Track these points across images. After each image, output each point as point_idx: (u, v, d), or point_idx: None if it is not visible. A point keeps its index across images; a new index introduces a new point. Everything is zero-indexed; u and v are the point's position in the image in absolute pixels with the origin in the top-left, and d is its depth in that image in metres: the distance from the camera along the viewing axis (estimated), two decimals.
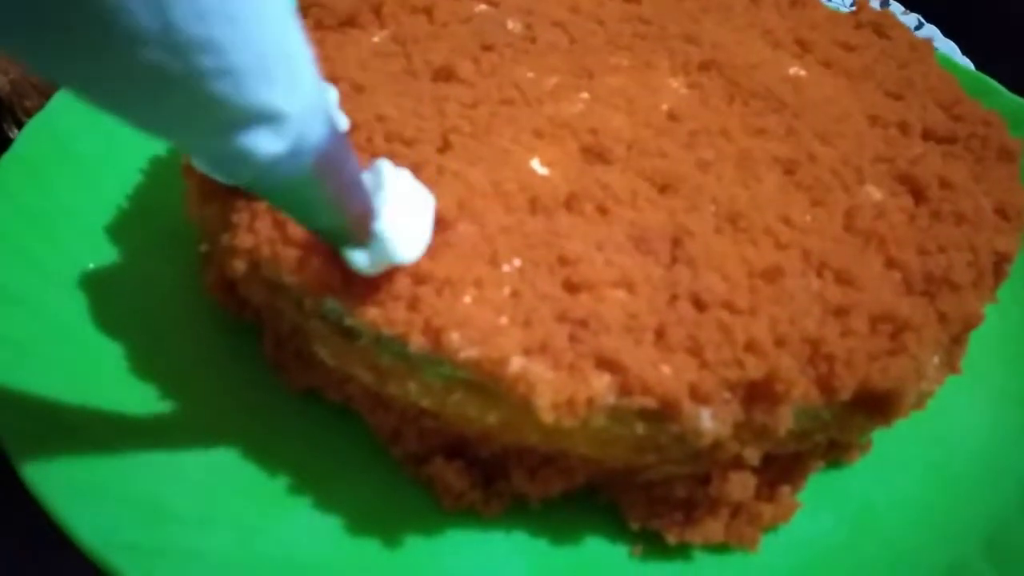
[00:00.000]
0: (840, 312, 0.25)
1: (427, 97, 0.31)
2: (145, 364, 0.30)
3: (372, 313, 0.24)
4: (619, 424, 0.23)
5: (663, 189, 0.28)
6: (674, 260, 0.26)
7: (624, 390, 0.23)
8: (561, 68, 0.34)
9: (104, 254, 0.33)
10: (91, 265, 0.32)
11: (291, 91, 0.17)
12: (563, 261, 0.25)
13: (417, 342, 0.23)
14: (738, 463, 0.25)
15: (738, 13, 0.38)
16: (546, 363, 0.23)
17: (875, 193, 0.30)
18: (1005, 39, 0.66)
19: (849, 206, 0.29)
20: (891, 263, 0.27)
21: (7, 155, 0.33)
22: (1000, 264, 0.28)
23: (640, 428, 0.23)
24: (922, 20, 0.64)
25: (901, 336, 0.25)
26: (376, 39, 0.35)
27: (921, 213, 0.29)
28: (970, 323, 0.27)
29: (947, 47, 0.61)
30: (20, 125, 0.43)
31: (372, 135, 0.29)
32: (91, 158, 0.35)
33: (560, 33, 0.35)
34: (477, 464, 0.27)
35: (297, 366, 0.29)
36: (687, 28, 0.36)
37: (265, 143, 0.17)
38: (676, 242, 0.26)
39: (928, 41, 0.37)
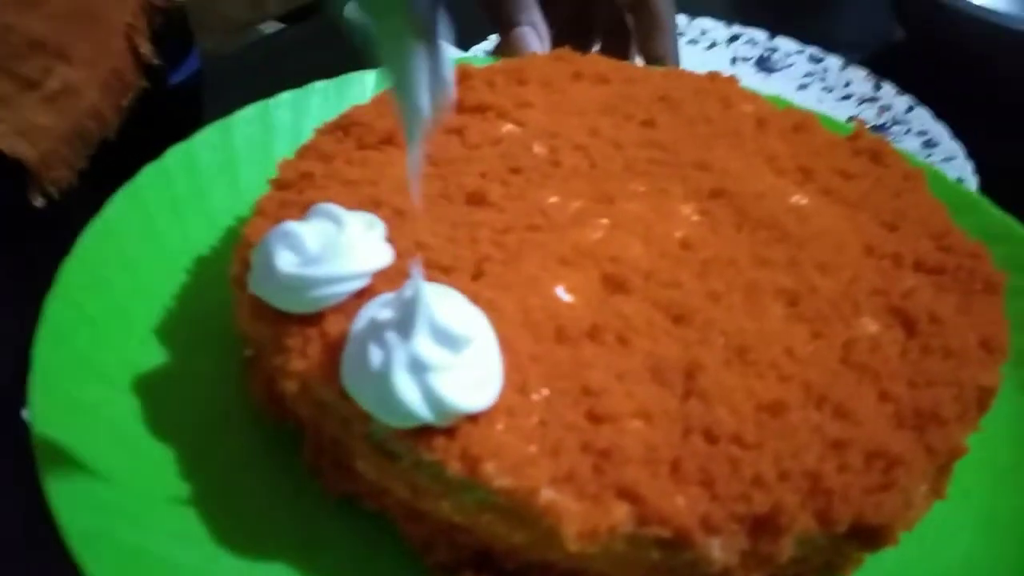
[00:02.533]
0: (838, 446, 0.27)
1: (462, 223, 0.34)
2: (191, 464, 0.32)
3: (414, 438, 0.27)
4: (636, 549, 0.26)
5: (677, 320, 0.31)
6: (688, 392, 0.29)
7: (642, 520, 0.25)
8: (584, 193, 0.37)
9: (156, 356, 0.35)
10: (144, 367, 0.34)
11: None
12: (587, 391, 0.28)
13: (454, 468, 0.26)
14: None
15: (747, 139, 0.41)
16: (572, 493, 0.26)
17: (870, 326, 0.32)
18: (995, 119, 0.68)
19: (847, 338, 0.31)
20: (884, 396, 0.30)
21: (68, 261, 0.36)
22: (983, 398, 0.31)
23: (655, 554, 0.26)
24: (914, 103, 0.66)
25: (893, 471, 0.27)
26: None
27: (912, 347, 0.32)
28: (955, 454, 0.29)
29: (936, 131, 0.63)
30: (47, 195, 0.45)
31: (412, 263, 0.31)
32: (144, 262, 0.38)
33: (581, 157, 0.38)
34: (500, 568, 0.29)
35: (335, 474, 0.31)
36: (699, 155, 0.39)
37: None
38: (689, 375, 0.29)
39: (920, 170, 0.40)
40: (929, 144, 0.62)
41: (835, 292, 0.33)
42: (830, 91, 0.67)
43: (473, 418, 0.27)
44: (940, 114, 0.64)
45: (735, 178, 0.38)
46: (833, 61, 0.69)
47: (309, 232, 0.30)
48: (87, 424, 0.31)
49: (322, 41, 0.72)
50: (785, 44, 0.71)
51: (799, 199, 0.38)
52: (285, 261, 0.29)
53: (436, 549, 0.29)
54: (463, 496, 0.27)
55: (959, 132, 0.62)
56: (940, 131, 0.62)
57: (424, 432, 0.26)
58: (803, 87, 0.68)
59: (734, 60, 0.70)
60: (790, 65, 0.70)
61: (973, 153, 0.60)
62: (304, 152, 0.38)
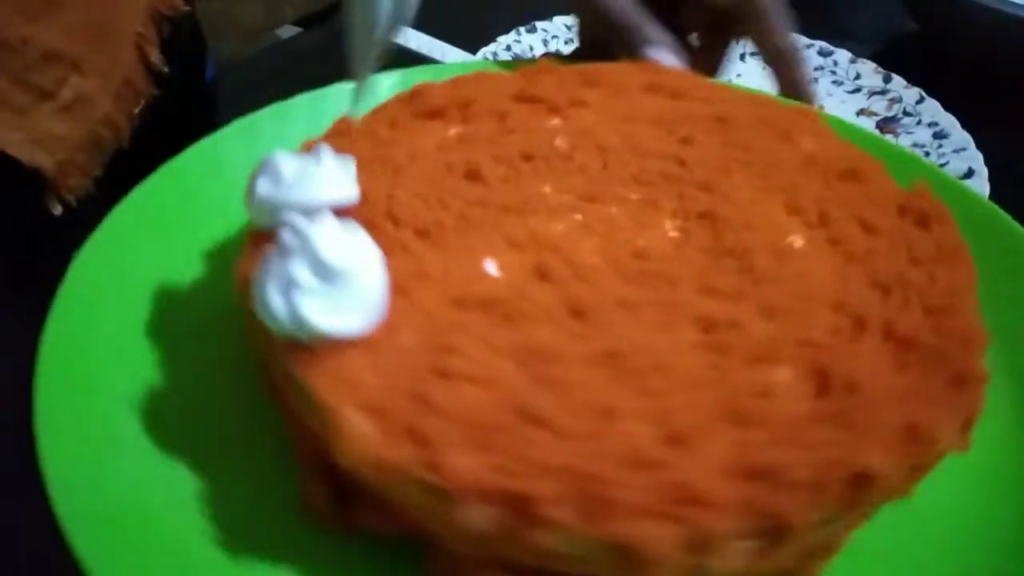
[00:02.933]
0: (645, 466, 0.27)
1: (446, 191, 0.37)
2: (197, 458, 0.33)
3: (287, 349, 0.31)
4: (423, 495, 0.28)
5: (575, 313, 0.32)
6: (539, 378, 0.30)
7: (423, 466, 0.27)
8: (577, 189, 0.38)
9: (162, 351, 0.37)
10: (151, 364, 0.36)
11: None
12: (446, 350, 0.30)
13: (298, 375, 0.30)
14: None
15: (780, 172, 0.39)
16: (377, 425, 0.28)
17: (782, 375, 0.30)
18: (1007, 111, 0.69)
19: (744, 379, 0.30)
20: (741, 443, 0.28)
21: (77, 261, 0.37)
22: (864, 480, 0.28)
23: (438, 505, 0.28)
24: (923, 95, 0.66)
25: (687, 508, 0.26)
26: (452, 132, 0.42)
27: (813, 408, 0.29)
28: (788, 526, 0.27)
29: (947, 122, 0.63)
30: (64, 203, 0.46)
31: (374, 209, 0.36)
32: (156, 260, 0.39)
33: (597, 157, 0.40)
34: (342, 484, 0.32)
35: (272, 386, 0.35)
36: (712, 177, 0.38)
37: None
38: (550, 361, 0.30)
39: (964, 245, 0.36)
40: (939, 136, 0.62)
41: (764, 334, 0.32)
42: (840, 84, 0.68)
43: (339, 344, 0.30)
44: (951, 106, 0.64)
45: (733, 205, 0.37)
46: (842, 54, 0.70)
47: (287, 162, 0.35)
48: (93, 421, 0.33)
49: (339, 45, 0.73)
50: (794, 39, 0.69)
51: (795, 240, 0.36)
52: (262, 185, 0.35)
53: (311, 451, 0.33)
54: (314, 408, 0.31)
55: (970, 124, 0.62)
56: (951, 122, 0.63)
57: (296, 345, 0.31)
58: (813, 81, 0.67)
59: (743, 56, 0.70)
60: None
61: (984, 145, 0.60)
62: (371, 113, 0.44)
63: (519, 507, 0.26)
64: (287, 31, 0.79)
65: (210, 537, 0.31)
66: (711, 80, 0.47)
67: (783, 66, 0.51)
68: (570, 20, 0.73)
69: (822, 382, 0.30)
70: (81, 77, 0.45)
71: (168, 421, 0.34)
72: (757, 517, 0.27)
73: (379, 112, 0.44)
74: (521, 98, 0.44)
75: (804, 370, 0.31)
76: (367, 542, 0.32)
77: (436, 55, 0.69)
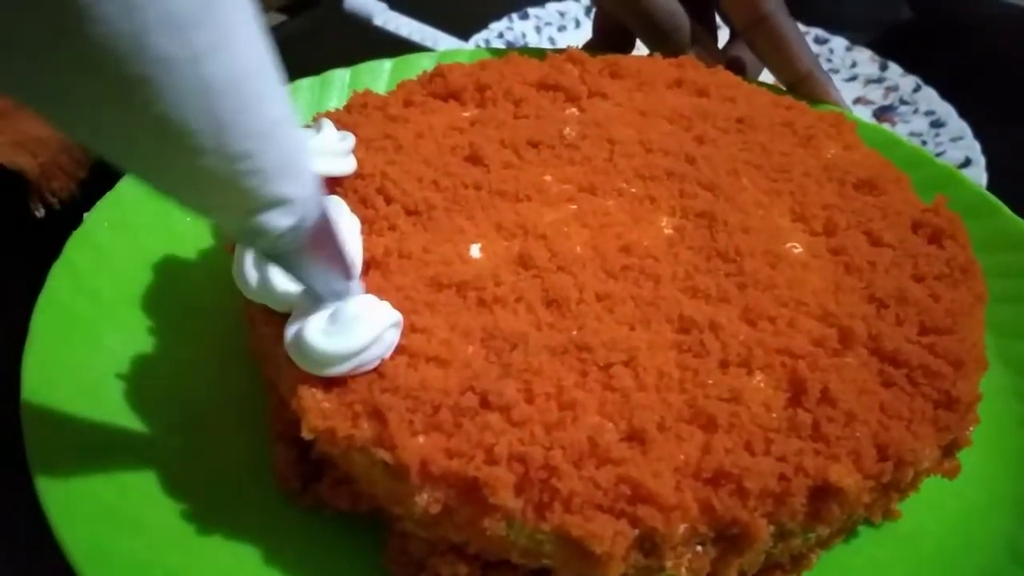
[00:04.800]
0: (601, 462, 0.26)
1: (443, 172, 0.37)
2: (182, 459, 0.33)
3: (261, 319, 0.31)
4: (377, 471, 0.28)
5: (548, 303, 0.31)
6: (502, 364, 0.29)
7: (376, 443, 0.27)
8: (577, 179, 0.37)
9: (142, 349, 0.36)
10: (131, 363, 0.35)
11: (299, 184, 0.23)
12: (412, 328, 0.30)
13: (270, 345, 0.30)
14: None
15: (792, 177, 0.38)
16: (334, 398, 0.28)
17: (756, 381, 0.29)
18: (1005, 99, 0.69)
19: (713, 380, 0.29)
20: (704, 447, 0.27)
21: (77, 233, 0.37)
22: (827, 494, 0.27)
23: (389, 481, 0.28)
24: (920, 83, 0.66)
25: (641, 507, 0.25)
26: (466, 114, 0.42)
27: (782, 416, 0.28)
28: (746, 534, 0.26)
29: (944, 110, 0.62)
30: (47, 204, 0.46)
31: (367, 184, 0.35)
32: (131, 259, 0.39)
33: (604, 149, 0.39)
34: (312, 459, 0.32)
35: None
36: (719, 177, 0.37)
37: (278, 220, 0.23)
38: (513, 348, 0.29)
39: (976, 265, 0.34)
40: (936, 124, 0.62)
41: (743, 339, 0.30)
42: (836, 72, 0.67)
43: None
44: (948, 94, 0.64)
45: (733, 207, 0.36)
46: (839, 42, 0.69)
47: None
48: (79, 378, 0.33)
49: (324, 32, 0.71)
50: None
51: (793, 246, 0.35)
52: None
53: (285, 424, 0.33)
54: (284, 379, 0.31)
55: (967, 111, 0.61)
56: (947, 110, 0.62)
57: (271, 315, 0.31)
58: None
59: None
60: None
61: (981, 133, 0.60)
62: (395, 88, 0.43)
63: (469, 492, 0.26)
64: (272, 19, 0.79)
65: (179, 501, 0.31)
66: (745, 81, 0.46)
67: (804, 93, 0.49)
68: (563, 7, 0.72)
69: (796, 392, 0.29)
70: None
71: (155, 385, 0.35)
72: (712, 522, 0.26)
73: (398, 89, 0.43)
74: (542, 85, 0.43)
75: (779, 378, 0.29)
76: (334, 521, 0.32)
77: (428, 42, 0.67)
